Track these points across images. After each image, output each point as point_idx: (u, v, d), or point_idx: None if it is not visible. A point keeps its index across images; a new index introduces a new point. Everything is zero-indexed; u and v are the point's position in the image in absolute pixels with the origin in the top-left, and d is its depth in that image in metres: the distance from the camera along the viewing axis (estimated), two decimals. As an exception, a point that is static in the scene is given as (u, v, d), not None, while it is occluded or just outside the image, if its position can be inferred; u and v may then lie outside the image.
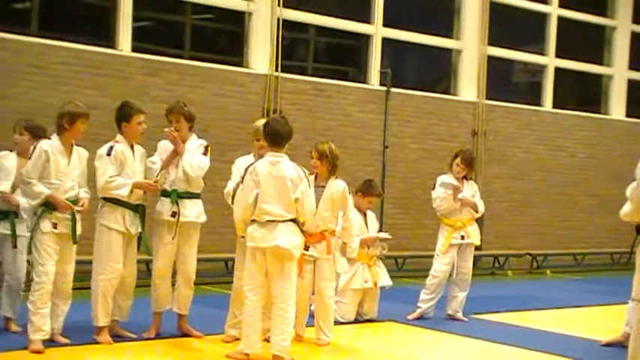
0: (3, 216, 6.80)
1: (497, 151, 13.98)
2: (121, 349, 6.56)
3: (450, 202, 8.31)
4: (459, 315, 8.50)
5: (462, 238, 8.46)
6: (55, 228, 6.36)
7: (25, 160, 6.49)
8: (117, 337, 6.78)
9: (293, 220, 6.29)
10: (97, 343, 6.60)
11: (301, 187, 6.27)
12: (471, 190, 8.54)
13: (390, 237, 8.42)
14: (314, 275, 7.07)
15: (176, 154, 6.88)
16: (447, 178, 8.43)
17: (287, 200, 6.23)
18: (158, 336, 6.98)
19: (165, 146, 7.03)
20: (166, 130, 6.89)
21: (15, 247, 6.78)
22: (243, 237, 6.63)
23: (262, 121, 6.98)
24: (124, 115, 6.76)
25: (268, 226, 6.24)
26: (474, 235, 8.55)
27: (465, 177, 8.53)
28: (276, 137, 6.36)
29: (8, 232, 6.76)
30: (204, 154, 7.02)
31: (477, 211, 8.53)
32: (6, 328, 6.81)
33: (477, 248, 13.41)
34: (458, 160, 8.41)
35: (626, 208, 4.44)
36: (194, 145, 7.02)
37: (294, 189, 6.24)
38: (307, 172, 6.50)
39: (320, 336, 7.06)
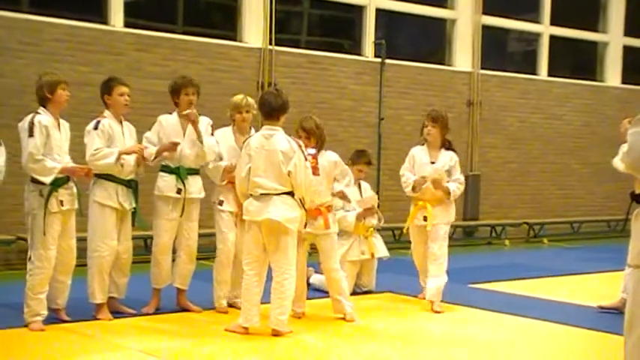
0: None
1: (493, 120, 13.97)
2: (120, 325, 6.60)
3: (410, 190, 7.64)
4: (436, 306, 7.42)
5: (424, 219, 7.51)
6: (62, 205, 6.35)
7: None
8: (116, 314, 6.82)
9: (289, 193, 6.28)
10: (97, 319, 6.64)
11: (294, 160, 6.22)
12: (444, 164, 7.48)
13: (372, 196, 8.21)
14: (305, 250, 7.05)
15: (175, 146, 6.85)
16: (419, 151, 7.64)
17: (279, 173, 6.21)
18: (157, 311, 7.02)
19: (167, 121, 7.01)
20: (188, 111, 6.83)
21: None
22: (221, 207, 6.98)
23: (239, 96, 7.13)
24: (105, 88, 6.78)
25: (262, 199, 6.25)
26: (435, 219, 7.46)
27: (445, 147, 7.56)
28: (269, 110, 6.35)
29: None
30: (212, 134, 7.07)
31: (448, 194, 7.48)
32: None
33: (473, 218, 13.61)
34: (425, 121, 7.56)
35: (620, 167, 4.49)
36: (202, 124, 7.00)
37: (287, 162, 6.21)
38: (303, 146, 6.45)
39: (345, 311, 6.96)
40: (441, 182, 7.40)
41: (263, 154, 6.26)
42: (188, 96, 6.93)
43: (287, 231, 6.26)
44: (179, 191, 6.91)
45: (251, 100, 7.12)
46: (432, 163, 7.51)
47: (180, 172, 6.91)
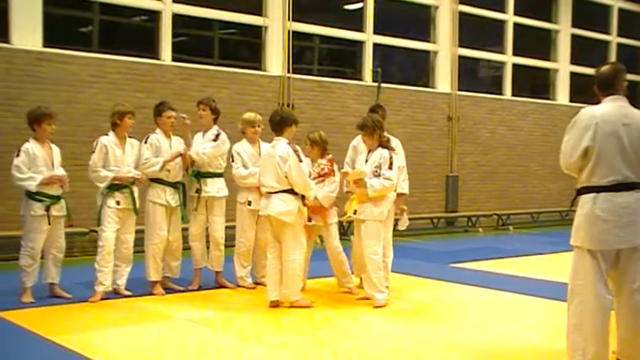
0: (57, 199, 6.32)
1: (468, 132, 13.91)
2: (170, 298, 6.62)
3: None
4: (376, 302, 6.32)
5: (355, 212, 6.45)
6: (119, 204, 6.43)
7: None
8: (168, 289, 6.84)
9: (287, 191, 6.16)
10: (152, 294, 6.66)
11: (289, 162, 6.11)
12: (374, 162, 6.41)
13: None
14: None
15: (178, 154, 6.74)
16: (365, 153, 6.66)
17: (277, 174, 6.16)
18: (200, 288, 7.02)
19: (198, 136, 7.03)
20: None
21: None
22: (249, 207, 6.91)
23: (251, 114, 7.12)
24: (157, 111, 6.82)
25: (267, 197, 6.26)
26: (362, 214, 6.38)
27: (382, 145, 6.50)
28: (273, 125, 6.37)
29: (60, 213, 6.35)
30: (214, 140, 6.97)
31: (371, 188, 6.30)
32: (52, 293, 6.45)
33: (453, 211, 13.54)
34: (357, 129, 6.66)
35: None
36: (210, 134, 7.00)
37: (283, 164, 6.13)
38: (300, 150, 6.25)
39: (346, 283, 6.91)
40: (359, 181, 6.37)
41: (267, 160, 6.28)
42: (199, 111, 7.03)
43: (283, 223, 6.17)
44: (197, 191, 6.92)
45: (260, 117, 7.11)
46: (367, 161, 6.51)
47: (197, 176, 6.92)
